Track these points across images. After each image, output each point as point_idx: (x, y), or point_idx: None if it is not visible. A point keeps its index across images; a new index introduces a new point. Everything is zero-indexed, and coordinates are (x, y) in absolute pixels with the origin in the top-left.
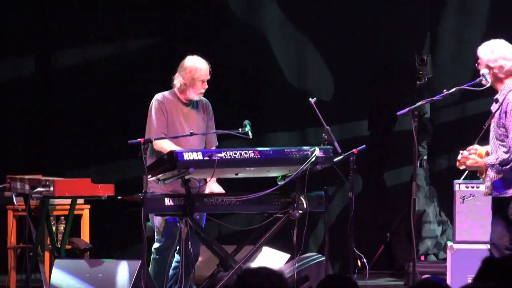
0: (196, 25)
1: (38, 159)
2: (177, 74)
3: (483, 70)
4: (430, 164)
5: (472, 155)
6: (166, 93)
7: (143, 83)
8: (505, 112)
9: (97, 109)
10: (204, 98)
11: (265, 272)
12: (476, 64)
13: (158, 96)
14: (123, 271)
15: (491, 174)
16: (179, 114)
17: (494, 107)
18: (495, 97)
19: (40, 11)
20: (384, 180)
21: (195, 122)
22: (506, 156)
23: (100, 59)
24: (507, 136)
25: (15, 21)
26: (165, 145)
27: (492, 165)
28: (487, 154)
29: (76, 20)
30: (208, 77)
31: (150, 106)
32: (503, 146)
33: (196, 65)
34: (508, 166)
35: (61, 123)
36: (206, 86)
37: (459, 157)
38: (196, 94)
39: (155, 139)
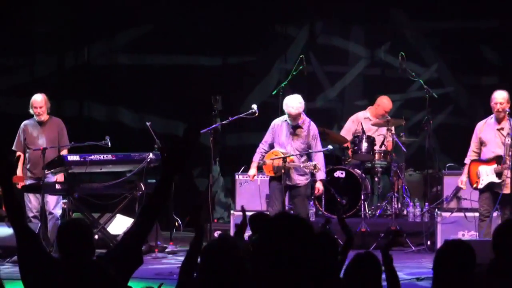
0: None
1: None
2: None
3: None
4: (221, 163)
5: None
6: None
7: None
8: (312, 136)
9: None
10: (57, 119)
11: (80, 221)
12: (293, 114)
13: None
14: None
15: (295, 173)
16: (35, 131)
17: (299, 131)
18: (299, 124)
19: None
20: (193, 173)
21: (48, 135)
22: (323, 172)
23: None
24: (306, 150)
25: None
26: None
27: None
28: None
29: None
30: (40, 105)
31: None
32: (301, 155)
33: (32, 98)
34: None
35: None
36: (38, 111)
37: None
38: (36, 116)
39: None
